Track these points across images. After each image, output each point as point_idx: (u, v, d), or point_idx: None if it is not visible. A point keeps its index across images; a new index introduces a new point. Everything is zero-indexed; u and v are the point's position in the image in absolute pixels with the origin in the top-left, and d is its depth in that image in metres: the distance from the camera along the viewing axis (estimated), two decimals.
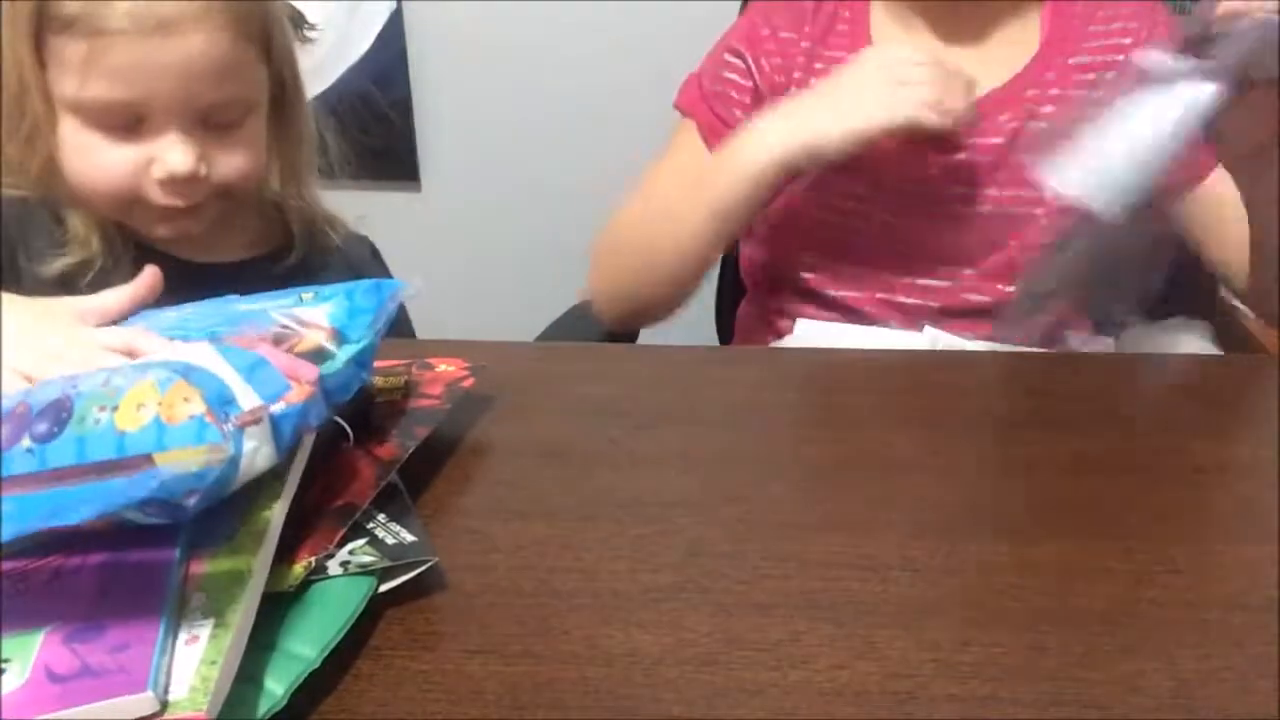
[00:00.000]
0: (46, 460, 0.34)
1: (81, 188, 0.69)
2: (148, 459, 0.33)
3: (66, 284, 0.69)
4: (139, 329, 0.49)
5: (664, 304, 0.85)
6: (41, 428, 0.34)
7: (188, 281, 0.61)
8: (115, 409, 0.34)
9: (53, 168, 0.70)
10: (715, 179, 0.78)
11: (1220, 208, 0.76)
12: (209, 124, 0.69)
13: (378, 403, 0.51)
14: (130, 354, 0.45)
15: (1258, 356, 0.66)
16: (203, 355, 0.38)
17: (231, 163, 0.71)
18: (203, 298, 0.58)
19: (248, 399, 0.37)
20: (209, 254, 0.76)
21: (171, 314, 0.51)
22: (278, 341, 0.45)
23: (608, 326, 0.92)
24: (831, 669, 0.36)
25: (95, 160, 0.68)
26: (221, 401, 0.35)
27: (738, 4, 1.09)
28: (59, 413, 0.34)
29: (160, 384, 0.35)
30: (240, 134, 0.71)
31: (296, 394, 0.39)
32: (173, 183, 0.68)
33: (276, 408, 0.38)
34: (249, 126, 0.72)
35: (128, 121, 0.67)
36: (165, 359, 0.37)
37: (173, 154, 0.68)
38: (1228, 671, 0.36)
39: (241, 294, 0.62)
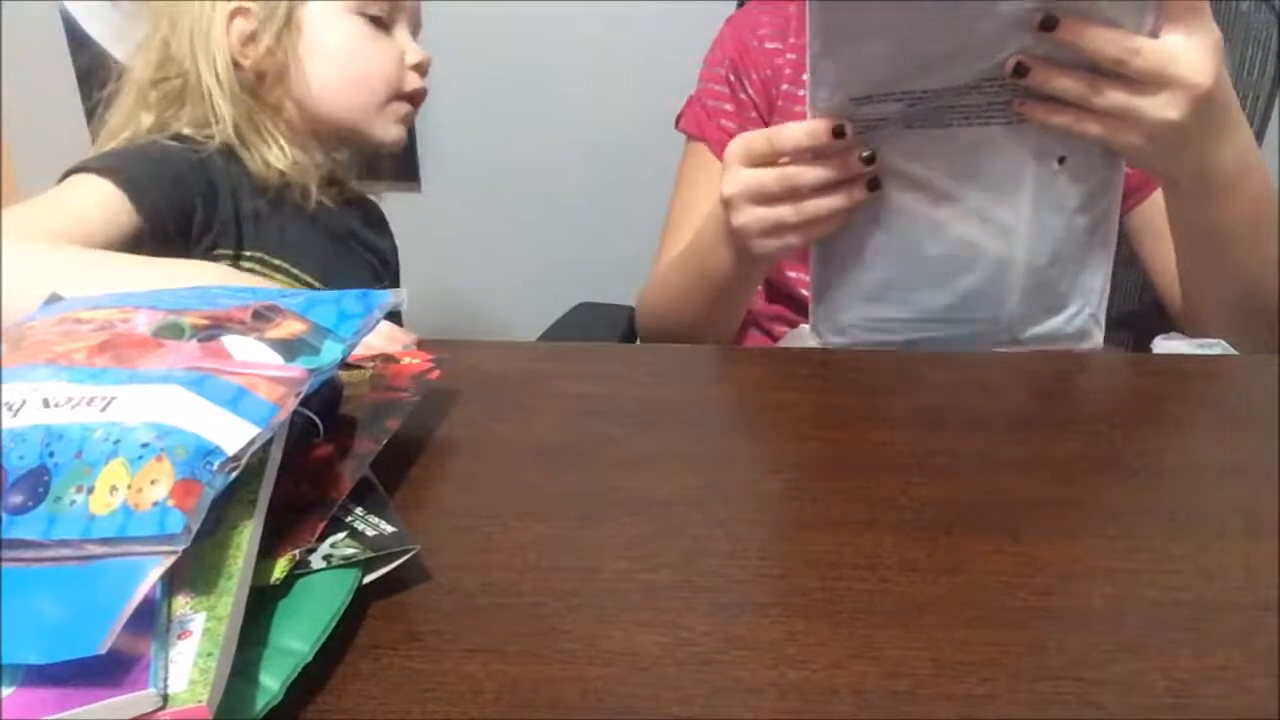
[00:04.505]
0: (11, 531, 0.33)
1: (356, 81, 0.83)
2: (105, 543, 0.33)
3: (265, 214, 0.81)
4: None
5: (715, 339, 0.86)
6: (16, 499, 0.34)
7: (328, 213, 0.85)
8: (91, 491, 0.34)
9: (285, 86, 0.82)
10: (710, 261, 0.75)
11: (1162, 223, 0.73)
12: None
13: (346, 397, 0.51)
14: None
15: (1258, 357, 0.66)
16: (180, 403, 0.37)
17: None
18: (338, 227, 0.86)
19: (236, 434, 0.37)
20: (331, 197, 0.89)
21: (167, 295, 0.51)
22: (257, 318, 0.45)
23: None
24: (830, 669, 0.36)
25: (375, 51, 0.83)
26: (202, 454, 0.35)
27: (734, 5, 1.09)
28: (36, 486, 0.34)
29: (132, 463, 0.34)
30: None
31: (284, 412, 0.39)
32: (420, 68, 0.87)
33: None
34: None
35: (378, 20, 0.83)
36: (144, 418, 0.37)
37: (413, 46, 0.87)
38: (1227, 671, 0.36)
39: (348, 229, 0.91)
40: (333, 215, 0.88)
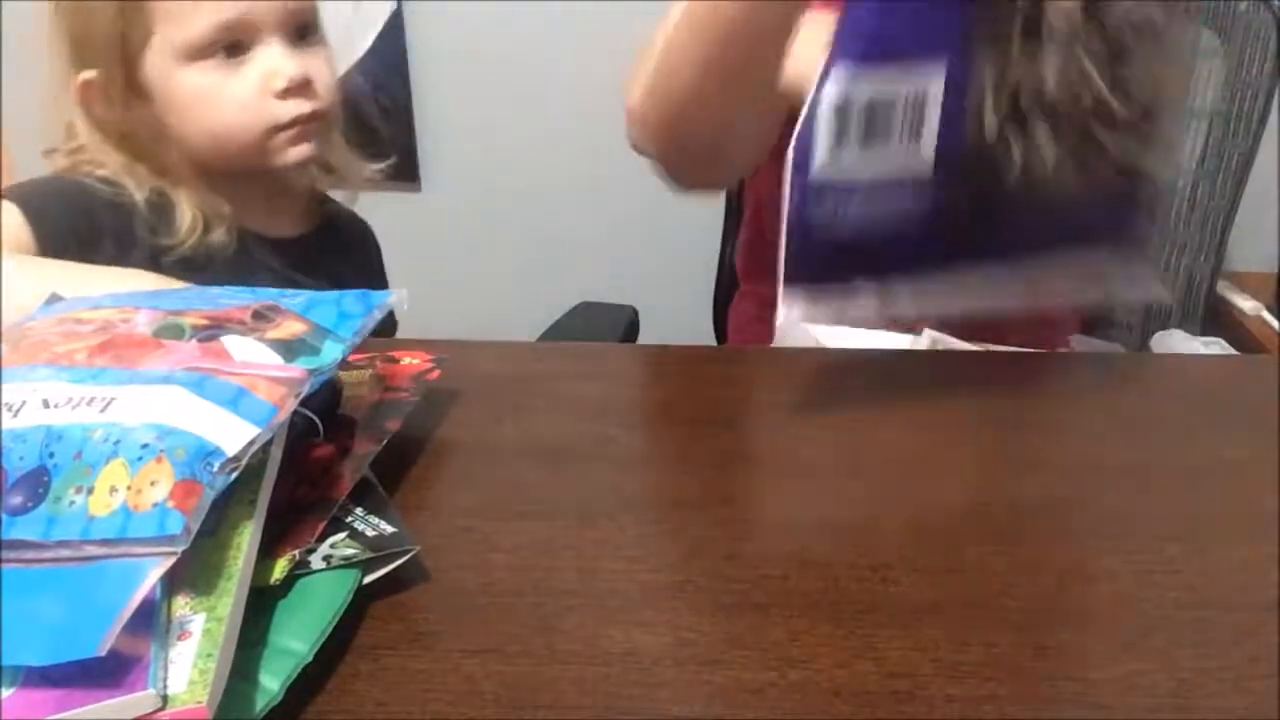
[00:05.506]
0: (11, 531, 0.33)
1: (214, 134, 0.76)
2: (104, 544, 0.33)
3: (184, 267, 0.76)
4: None
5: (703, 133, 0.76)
6: (16, 500, 0.34)
7: (271, 251, 0.80)
8: (91, 491, 0.34)
9: (163, 143, 0.76)
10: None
11: None
12: (295, 39, 0.77)
13: (346, 397, 0.51)
14: None
15: (1258, 357, 0.66)
16: (180, 403, 0.37)
17: (324, 73, 0.79)
18: (280, 267, 0.79)
19: (236, 434, 0.37)
20: (279, 230, 0.84)
21: (168, 295, 0.51)
22: (257, 318, 0.45)
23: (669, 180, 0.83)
24: (831, 669, 0.36)
25: (223, 95, 0.75)
26: (203, 455, 0.35)
27: None
28: (36, 486, 0.34)
29: (132, 464, 0.34)
30: (320, 50, 0.80)
31: (284, 413, 0.39)
32: (292, 89, 0.76)
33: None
34: (321, 47, 0.81)
35: (234, 46, 0.74)
36: (144, 419, 0.36)
37: (282, 62, 0.75)
38: (1227, 671, 0.36)
39: (303, 263, 0.83)
40: (281, 249, 0.83)
